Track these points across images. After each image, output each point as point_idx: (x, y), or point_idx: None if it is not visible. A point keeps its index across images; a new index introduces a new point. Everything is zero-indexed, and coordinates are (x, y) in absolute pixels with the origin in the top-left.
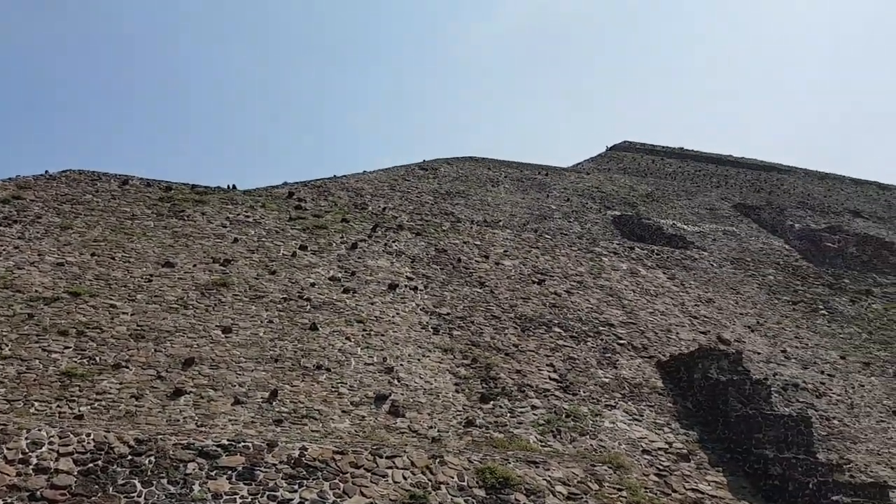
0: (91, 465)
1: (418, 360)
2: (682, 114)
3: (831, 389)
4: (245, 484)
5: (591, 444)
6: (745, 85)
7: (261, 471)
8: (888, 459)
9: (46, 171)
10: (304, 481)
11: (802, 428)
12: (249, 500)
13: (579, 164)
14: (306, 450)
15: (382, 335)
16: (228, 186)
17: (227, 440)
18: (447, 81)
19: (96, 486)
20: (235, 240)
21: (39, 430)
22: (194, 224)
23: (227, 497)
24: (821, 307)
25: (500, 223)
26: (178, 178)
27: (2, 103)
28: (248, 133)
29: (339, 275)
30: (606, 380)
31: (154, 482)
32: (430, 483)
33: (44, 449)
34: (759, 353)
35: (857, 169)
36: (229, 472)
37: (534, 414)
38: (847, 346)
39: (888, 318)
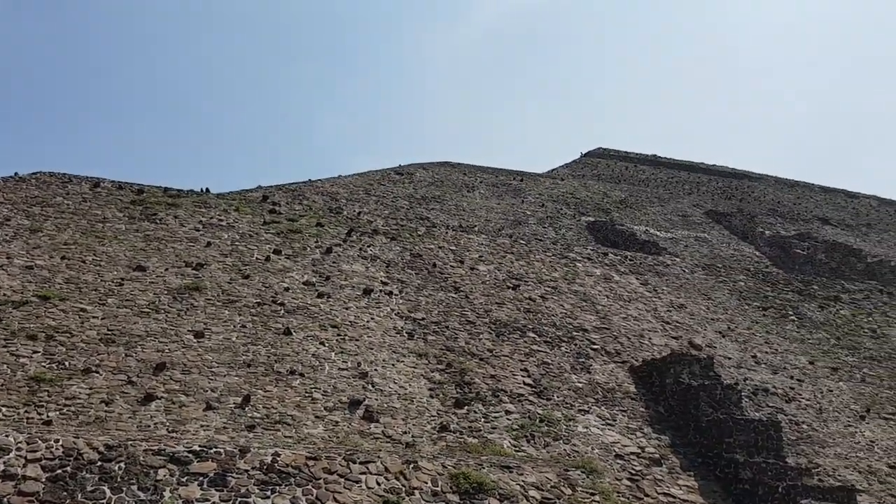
0: (60, 471)
1: (393, 365)
2: (657, 119)
3: (800, 394)
4: (217, 490)
5: (565, 449)
6: (718, 90)
7: (233, 477)
8: (856, 463)
9: (16, 173)
10: (277, 487)
11: (772, 432)
12: None
13: (554, 170)
14: (279, 455)
15: (357, 340)
16: (202, 190)
17: (199, 446)
18: (422, 86)
19: (65, 493)
20: (208, 244)
21: (7, 435)
22: (167, 227)
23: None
24: (790, 313)
25: (476, 228)
26: (151, 181)
27: None
28: (222, 136)
29: (314, 279)
30: (580, 385)
31: (124, 489)
32: (403, 488)
33: (11, 455)
34: (729, 359)
35: (826, 177)
36: (201, 479)
37: (508, 419)
38: (816, 352)
39: (856, 323)
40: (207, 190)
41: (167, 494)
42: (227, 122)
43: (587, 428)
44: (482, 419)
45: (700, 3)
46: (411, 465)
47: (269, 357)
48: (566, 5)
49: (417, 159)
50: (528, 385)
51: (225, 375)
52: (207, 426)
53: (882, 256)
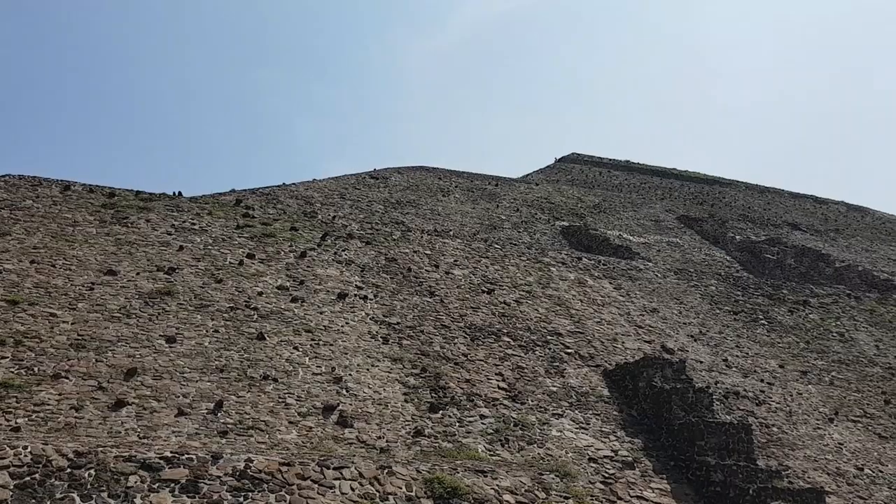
0: (28, 478)
1: (367, 369)
2: (628, 125)
3: (771, 397)
4: (189, 497)
5: (539, 453)
6: (690, 96)
7: (205, 483)
8: (825, 465)
9: None
10: (250, 494)
11: (743, 435)
12: None
13: (529, 174)
14: (252, 461)
15: (331, 345)
16: (174, 193)
17: (171, 452)
18: (398, 91)
19: (33, 501)
20: (181, 248)
21: None
22: (138, 231)
23: None
24: (760, 317)
25: (451, 232)
26: (123, 185)
27: None
28: (195, 140)
29: (288, 284)
30: (554, 389)
31: (94, 496)
32: (378, 494)
33: None
34: (701, 362)
35: (796, 182)
36: (172, 485)
37: (482, 423)
38: (786, 355)
39: (825, 327)
40: (180, 193)
41: (138, 501)
42: (202, 125)
43: (561, 432)
44: (457, 424)
45: (675, 10)
46: (385, 471)
47: (242, 362)
48: (543, 13)
49: (392, 164)
50: (503, 389)
51: (197, 381)
52: (179, 432)
53: (850, 261)
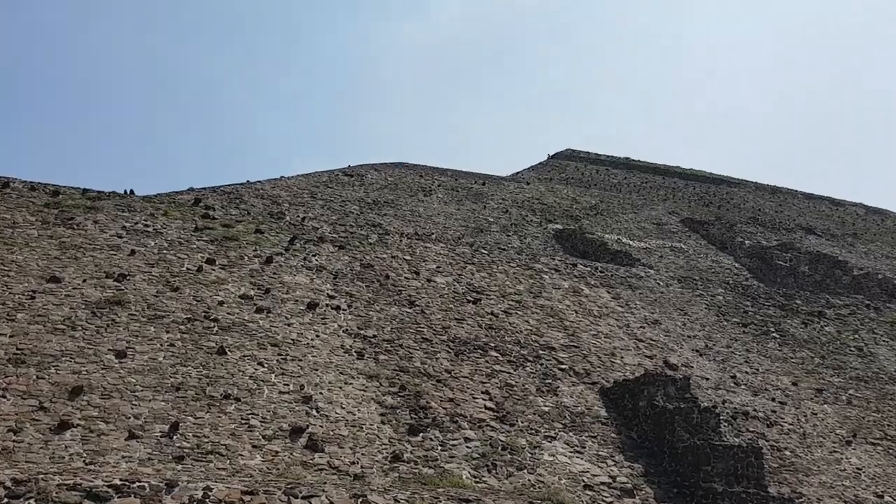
0: None
1: (340, 387)
2: (627, 121)
3: (783, 418)
4: None
5: (530, 479)
6: (691, 90)
7: None
8: (842, 492)
9: None
10: None
11: (753, 459)
12: None
13: (519, 173)
14: (211, 490)
15: (300, 360)
16: (125, 191)
17: (120, 480)
18: (374, 82)
19: None
20: (133, 252)
21: None
22: (85, 234)
23: None
24: (772, 330)
25: (433, 236)
26: (68, 182)
27: None
28: (149, 133)
29: (252, 292)
30: (546, 408)
31: None
32: None
33: None
34: (707, 379)
35: (809, 183)
36: None
37: (467, 447)
38: (799, 372)
39: (841, 341)
40: (132, 192)
41: None
42: (157, 116)
43: (554, 456)
44: (439, 447)
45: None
46: (360, 500)
47: (200, 379)
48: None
49: (369, 160)
50: (490, 409)
51: (150, 400)
52: (130, 457)
53: (869, 269)
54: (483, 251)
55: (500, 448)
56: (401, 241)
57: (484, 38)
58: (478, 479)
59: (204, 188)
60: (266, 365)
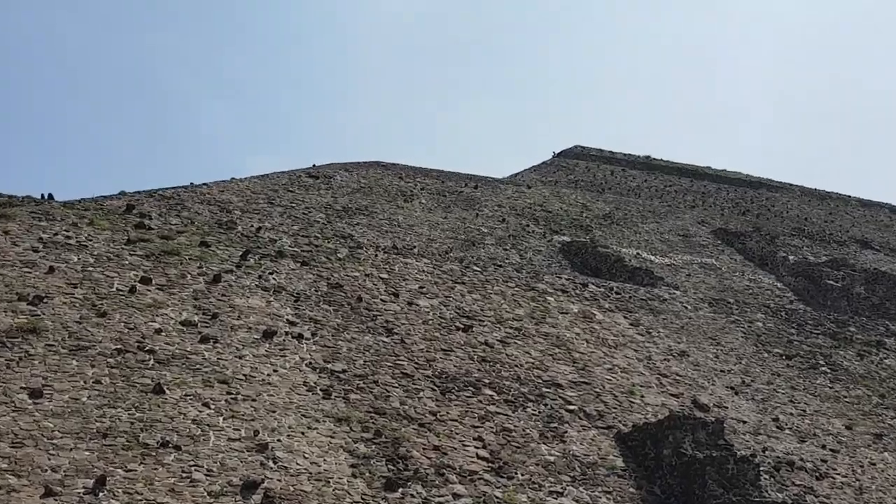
0: None
1: (302, 433)
2: (647, 113)
3: (835, 469)
4: None
5: None
6: (720, 78)
7: None
8: None
9: None
10: None
11: None
12: None
13: (518, 174)
14: None
15: (254, 400)
16: (42, 196)
17: None
18: (344, 67)
19: None
20: (51, 269)
21: None
22: None
23: None
24: (821, 363)
25: (415, 250)
26: None
27: None
28: (70, 127)
29: (196, 318)
30: (551, 458)
31: None
32: None
33: None
34: (744, 423)
35: (867, 188)
36: None
37: None
38: (854, 413)
39: None
40: (51, 196)
41: None
42: (79, 107)
43: None
44: None
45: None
46: None
47: (132, 424)
48: None
49: (338, 159)
50: (484, 459)
51: (71, 449)
52: None
53: None
54: (475, 268)
55: None
56: (376, 256)
57: (476, 14)
58: None
59: (138, 192)
60: (213, 406)
